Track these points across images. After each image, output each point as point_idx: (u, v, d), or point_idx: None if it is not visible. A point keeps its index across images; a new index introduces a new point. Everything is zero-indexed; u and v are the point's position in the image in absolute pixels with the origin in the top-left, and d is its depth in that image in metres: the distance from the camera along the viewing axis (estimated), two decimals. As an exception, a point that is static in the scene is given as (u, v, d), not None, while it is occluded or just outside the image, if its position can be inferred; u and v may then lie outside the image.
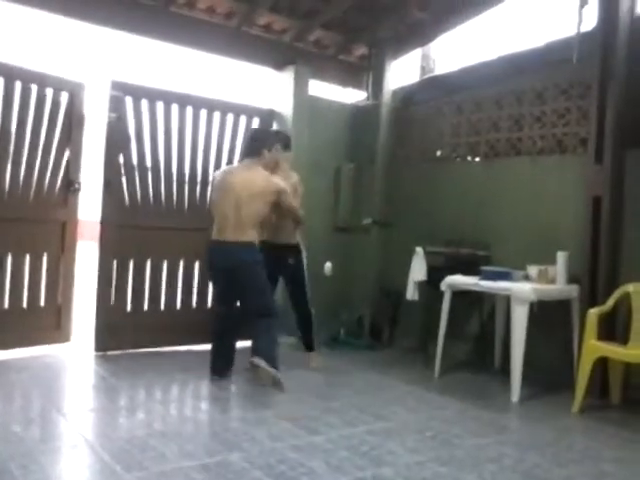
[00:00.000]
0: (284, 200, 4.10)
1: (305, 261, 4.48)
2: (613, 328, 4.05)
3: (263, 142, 4.18)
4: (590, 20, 4.33)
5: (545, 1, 5.18)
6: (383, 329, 5.61)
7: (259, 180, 4.02)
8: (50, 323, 4.71)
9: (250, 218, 3.99)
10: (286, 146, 4.42)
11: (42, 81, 4.56)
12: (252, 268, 4.02)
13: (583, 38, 4.29)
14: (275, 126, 5.53)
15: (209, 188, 5.15)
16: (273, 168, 4.22)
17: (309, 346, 4.56)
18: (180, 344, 4.99)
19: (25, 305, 4.58)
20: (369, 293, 5.68)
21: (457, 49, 5.95)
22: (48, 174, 4.64)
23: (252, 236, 4.02)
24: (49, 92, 4.61)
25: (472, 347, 5.03)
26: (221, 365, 4.12)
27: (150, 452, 2.80)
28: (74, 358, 4.57)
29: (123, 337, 4.75)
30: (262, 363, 3.85)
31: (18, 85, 4.42)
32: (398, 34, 5.91)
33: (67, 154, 4.75)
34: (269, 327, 4.01)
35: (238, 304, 4.21)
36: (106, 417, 3.35)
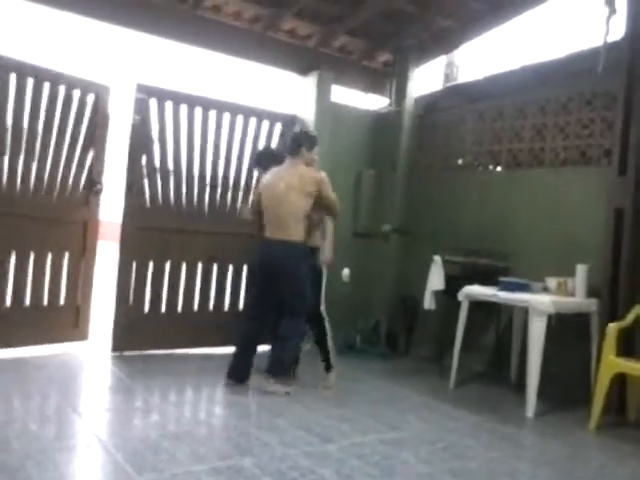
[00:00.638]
0: (324, 190, 4.15)
1: (321, 266, 4.36)
2: (633, 344, 3.99)
3: (300, 141, 4.28)
4: (617, 30, 4.28)
5: (571, 11, 5.13)
6: (399, 337, 5.59)
7: (297, 173, 4.13)
8: (69, 321, 4.78)
9: (294, 214, 4.07)
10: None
11: (69, 83, 4.63)
12: (294, 267, 4.08)
13: (610, 48, 4.24)
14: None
15: (229, 193, 5.21)
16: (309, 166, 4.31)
17: (325, 366, 4.36)
18: (197, 347, 5.03)
19: (46, 303, 4.66)
20: (386, 300, 5.67)
21: (481, 57, 5.92)
22: (72, 174, 4.72)
23: (298, 234, 4.09)
24: (76, 94, 4.68)
25: (488, 359, 4.99)
26: (240, 373, 4.13)
27: (163, 454, 2.82)
28: (91, 357, 4.63)
29: (140, 338, 4.80)
30: (272, 388, 3.97)
31: (46, 86, 4.50)
32: (422, 42, 5.90)
33: (91, 155, 4.82)
34: (296, 331, 4.10)
35: (272, 308, 4.21)
36: (121, 417, 3.39)
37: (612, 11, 4.29)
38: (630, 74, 4.14)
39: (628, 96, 4.15)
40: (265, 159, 4.60)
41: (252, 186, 5.29)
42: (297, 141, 4.28)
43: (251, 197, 4.77)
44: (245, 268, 5.24)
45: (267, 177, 4.29)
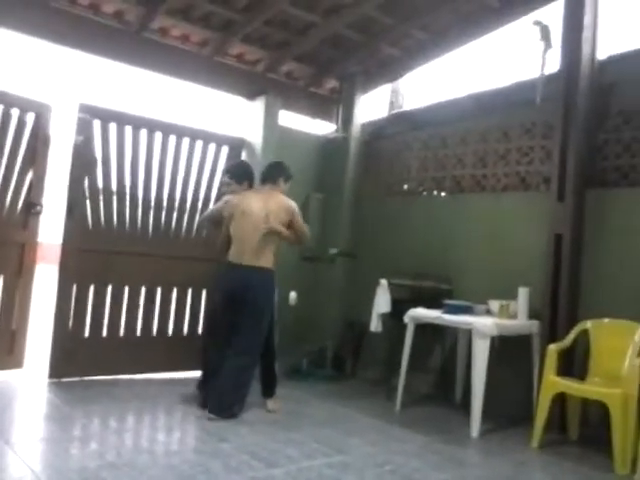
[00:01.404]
0: (295, 219, 4.19)
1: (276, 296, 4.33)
2: (572, 364, 4.10)
3: (280, 172, 4.35)
4: (554, 63, 4.47)
5: (511, 43, 5.34)
6: (346, 360, 5.58)
7: (274, 200, 4.17)
8: (2, 348, 4.54)
9: (268, 241, 4.08)
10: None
11: (8, 101, 4.49)
12: (265, 300, 4.07)
13: (547, 80, 4.44)
14: (244, 155, 5.55)
15: (174, 215, 5.13)
16: None
17: (270, 392, 4.30)
18: (139, 372, 4.87)
19: (-23, 329, 4.43)
20: (333, 324, 5.66)
21: (426, 86, 6.08)
22: (9, 195, 4.55)
23: (269, 262, 4.10)
24: (15, 112, 4.54)
25: (434, 380, 5.03)
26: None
27: (101, 484, 2.71)
28: (26, 385, 4.41)
29: (80, 364, 4.63)
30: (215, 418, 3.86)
31: (-18, 105, 4.36)
32: (368, 69, 6.03)
33: (30, 175, 4.66)
34: (244, 369, 3.99)
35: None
36: (56, 447, 3.22)
37: (548, 45, 4.50)
38: (566, 105, 4.32)
39: (565, 126, 4.32)
40: (239, 171, 4.53)
41: (199, 207, 5.24)
42: (278, 170, 4.36)
43: (213, 207, 4.67)
44: (189, 291, 5.17)
45: (243, 200, 4.21)
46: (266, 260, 4.09)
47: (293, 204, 4.24)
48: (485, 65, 5.72)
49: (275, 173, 4.36)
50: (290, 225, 4.19)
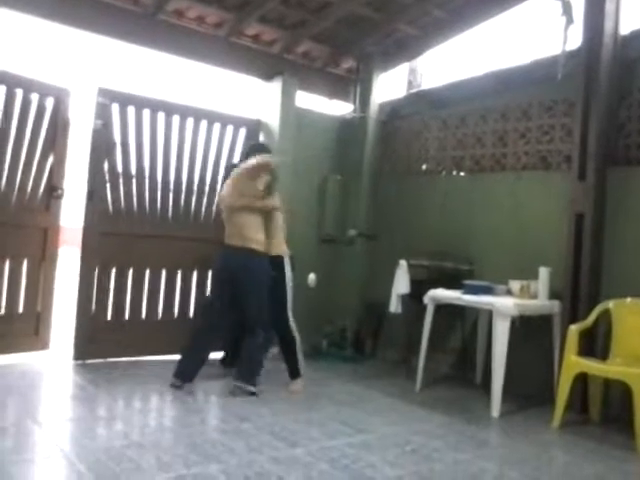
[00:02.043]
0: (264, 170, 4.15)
1: (290, 276, 4.35)
2: (593, 344, 4.08)
3: (254, 153, 4.31)
4: (575, 39, 4.39)
5: (531, 19, 5.24)
6: (366, 341, 5.61)
7: (244, 176, 4.16)
8: (28, 330, 4.63)
9: (252, 222, 4.11)
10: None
11: (28, 86, 4.52)
12: (255, 277, 4.12)
13: (568, 56, 4.35)
14: (262, 136, 5.54)
15: (193, 197, 5.16)
16: None
17: (292, 373, 4.35)
18: (161, 354, 4.94)
19: (3, 311, 4.50)
20: (353, 305, 5.68)
21: (444, 64, 6.00)
22: (31, 179, 4.60)
23: (259, 242, 4.12)
24: (34, 97, 4.57)
25: (454, 360, 5.03)
26: (190, 372, 4.16)
27: (126, 463, 2.76)
28: (52, 366, 4.50)
29: (103, 345, 4.71)
30: (242, 386, 4.03)
31: (2, 89, 4.38)
32: (385, 48, 5.96)
33: (51, 160, 4.71)
34: (258, 344, 4.11)
35: (229, 315, 4.28)
36: (83, 427, 3.29)
37: (570, 21, 4.41)
38: (587, 82, 4.24)
39: (586, 103, 4.25)
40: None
41: (217, 189, 5.25)
42: (252, 151, 4.36)
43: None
44: (210, 274, 5.21)
45: (226, 188, 4.31)
46: (254, 241, 4.12)
47: (245, 166, 4.17)
48: (505, 42, 5.63)
49: (250, 155, 4.33)
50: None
